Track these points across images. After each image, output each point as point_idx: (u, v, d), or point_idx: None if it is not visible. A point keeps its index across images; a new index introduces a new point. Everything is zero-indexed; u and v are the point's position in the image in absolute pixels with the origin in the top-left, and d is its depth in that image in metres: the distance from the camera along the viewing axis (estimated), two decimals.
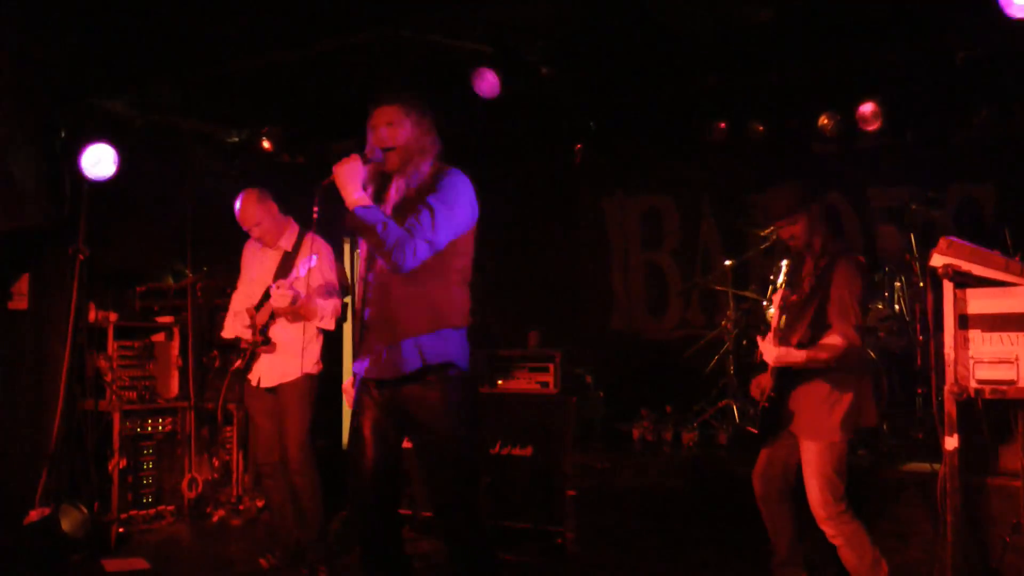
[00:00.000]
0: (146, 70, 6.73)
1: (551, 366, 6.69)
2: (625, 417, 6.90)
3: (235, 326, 5.81)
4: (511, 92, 6.79)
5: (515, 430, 6.59)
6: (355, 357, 4.14)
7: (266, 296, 5.60)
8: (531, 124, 7.92)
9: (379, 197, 4.07)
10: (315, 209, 4.48)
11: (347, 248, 9.22)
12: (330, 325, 5.71)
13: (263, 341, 5.64)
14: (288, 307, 5.42)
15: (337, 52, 6.48)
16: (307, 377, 5.69)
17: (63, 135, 6.86)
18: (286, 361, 5.66)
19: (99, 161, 6.74)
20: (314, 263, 5.34)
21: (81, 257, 6.67)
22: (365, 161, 3.97)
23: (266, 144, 7.81)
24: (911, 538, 5.02)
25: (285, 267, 5.64)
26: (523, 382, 6.77)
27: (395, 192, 4.05)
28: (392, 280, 3.96)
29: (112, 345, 6.86)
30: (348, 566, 5.74)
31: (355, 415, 4.10)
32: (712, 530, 5.75)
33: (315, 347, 5.76)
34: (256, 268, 5.86)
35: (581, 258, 8.77)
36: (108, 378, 6.78)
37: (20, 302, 6.67)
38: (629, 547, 6.03)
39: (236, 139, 7.97)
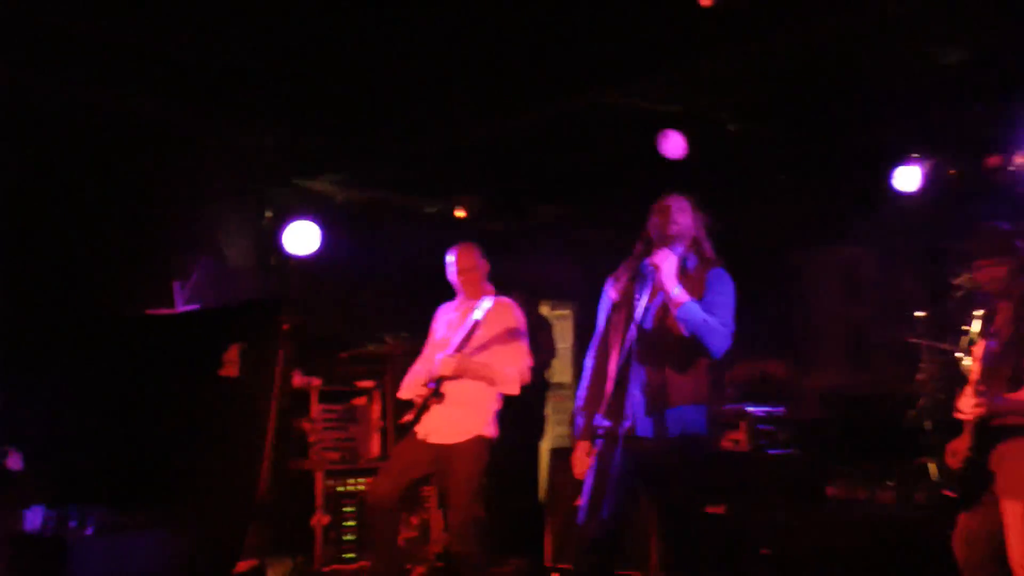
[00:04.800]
0: (346, 151, 7.17)
1: (742, 423, 6.61)
2: (819, 474, 6.69)
3: (411, 386, 5.77)
4: (699, 150, 6.81)
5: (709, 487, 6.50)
6: (601, 413, 4.39)
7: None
8: (721, 179, 7.87)
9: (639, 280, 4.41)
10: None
11: (547, 310, 9.39)
12: (513, 390, 5.60)
13: (433, 393, 5.50)
14: (453, 374, 5.45)
15: (538, 121, 6.70)
16: (481, 439, 5.56)
17: (271, 214, 7.37)
18: (462, 416, 5.54)
19: (304, 237, 7.20)
20: (481, 317, 5.44)
21: (286, 327, 7.10)
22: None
23: (461, 213, 8.08)
24: None
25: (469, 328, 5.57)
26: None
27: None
28: (665, 353, 4.32)
29: (316, 408, 7.29)
30: None
31: (599, 465, 4.33)
32: None
33: (493, 406, 5.65)
34: (443, 329, 5.83)
35: (782, 315, 8.59)
36: (311, 439, 7.17)
37: (231, 369, 7.10)
38: None
39: (434, 209, 8.31)
